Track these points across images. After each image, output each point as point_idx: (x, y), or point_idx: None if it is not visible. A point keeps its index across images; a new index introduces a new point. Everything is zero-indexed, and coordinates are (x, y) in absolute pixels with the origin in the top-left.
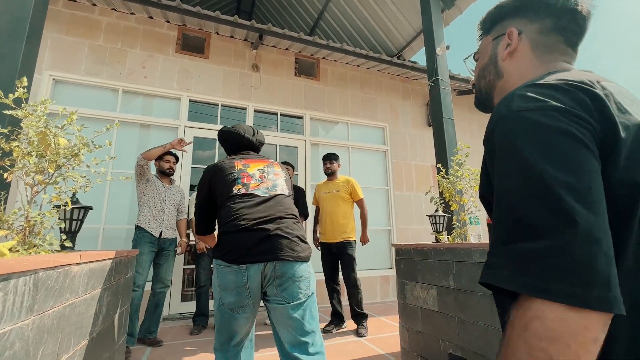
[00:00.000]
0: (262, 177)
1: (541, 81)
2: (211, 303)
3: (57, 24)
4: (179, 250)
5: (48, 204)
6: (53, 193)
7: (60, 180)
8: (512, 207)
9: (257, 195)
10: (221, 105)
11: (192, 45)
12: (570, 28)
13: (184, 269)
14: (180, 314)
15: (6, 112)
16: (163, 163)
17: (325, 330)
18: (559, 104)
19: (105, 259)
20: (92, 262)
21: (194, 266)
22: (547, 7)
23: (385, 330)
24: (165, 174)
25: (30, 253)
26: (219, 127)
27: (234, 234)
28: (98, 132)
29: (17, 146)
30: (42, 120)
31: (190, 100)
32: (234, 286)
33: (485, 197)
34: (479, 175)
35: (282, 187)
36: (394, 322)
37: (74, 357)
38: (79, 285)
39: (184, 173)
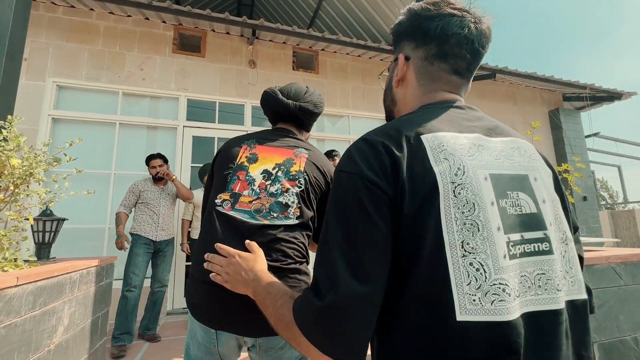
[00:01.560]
0: (262, 187)
1: (374, 132)
2: None
3: (58, 31)
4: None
5: (12, 219)
6: (16, 210)
7: (24, 197)
8: (316, 263)
9: (235, 223)
10: (219, 104)
11: (189, 44)
12: (455, 54)
13: (186, 265)
14: (184, 308)
15: None
16: (150, 170)
17: None
18: (363, 169)
19: (57, 275)
20: (39, 280)
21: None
22: (425, 32)
23: None
24: (156, 179)
25: None
26: (217, 125)
27: (196, 280)
28: (70, 142)
29: None
30: None
31: (188, 100)
32: (202, 343)
33: None
34: None
35: (287, 211)
36: None
37: None
38: (20, 305)
39: (184, 170)
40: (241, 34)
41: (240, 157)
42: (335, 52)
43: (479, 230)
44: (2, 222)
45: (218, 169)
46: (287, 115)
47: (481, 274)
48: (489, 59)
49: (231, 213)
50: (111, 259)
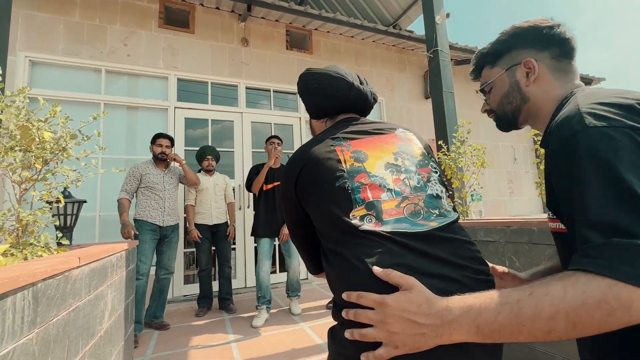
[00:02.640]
0: (398, 184)
1: (603, 100)
2: (214, 284)
3: (27, 0)
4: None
5: (39, 201)
6: (43, 189)
7: (50, 176)
8: (602, 212)
9: (400, 241)
10: (211, 84)
11: (176, 19)
12: (569, 53)
13: (184, 252)
14: (184, 296)
15: None
16: (155, 147)
17: (328, 307)
18: (633, 123)
19: (104, 257)
20: (92, 262)
21: (193, 249)
22: (549, 38)
23: None
24: (159, 160)
25: (25, 255)
26: (210, 107)
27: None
28: (84, 122)
29: None
30: (23, 112)
31: (178, 79)
32: None
33: (555, 208)
34: (481, 152)
35: (442, 204)
36: None
37: (83, 359)
38: (81, 288)
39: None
40: (232, 10)
41: (345, 160)
42: (328, 32)
43: None
44: (27, 203)
45: (315, 184)
46: (358, 104)
47: None
48: (477, 43)
49: (385, 229)
50: (134, 243)
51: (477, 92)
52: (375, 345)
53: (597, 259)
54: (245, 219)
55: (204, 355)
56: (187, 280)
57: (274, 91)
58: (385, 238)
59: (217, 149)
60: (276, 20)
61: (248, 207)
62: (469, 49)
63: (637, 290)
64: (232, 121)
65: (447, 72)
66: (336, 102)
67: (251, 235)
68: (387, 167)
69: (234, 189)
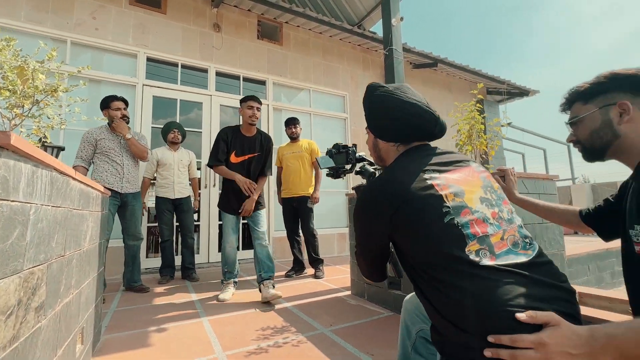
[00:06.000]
0: (496, 218)
1: None
2: (177, 259)
3: None
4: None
5: (26, 137)
6: (33, 126)
7: (38, 114)
8: None
9: (519, 276)
10: (181, 66)
11: None
12: None
13: (147, 227)
14: (146, 269)
15: None
16: (113, 112)
17: (287, 275)
18: None
19: (90, 186)
20: (82, 183)
21: (156, 224)
22: None
23: (339, 274)
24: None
25: None
26: (180, 87)
27: None
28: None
29: None
30: (19, 54)
31: (148, 58)
32: None
33: None
34: None
35: (522, 222)
36: (347, 269)
37: (72, 259)
38: (74, 198)
39: (145, 131)
40: None
41: (447, 196)
42: (298, 26)
43: None
44: None
45: (420, 222)
46: (437, 137)
47: None
48: (432, 50)
49: (500, 262)
50: (107, 192)
51: (565, 124)
52: None
53: None
54: (210, 198)
55: (167, 309)
56: (149, 253)
57: (243, 78)
58: (503, 271)
59: (185, 129)
60: (248, 10)
61: (214, 185)
62: (424, 53)
63: None
64: (201, 103)
65: (399, 68)
66: (420, 134)
67: (218, 206)
68: (482, 201)
69: (199, 169)
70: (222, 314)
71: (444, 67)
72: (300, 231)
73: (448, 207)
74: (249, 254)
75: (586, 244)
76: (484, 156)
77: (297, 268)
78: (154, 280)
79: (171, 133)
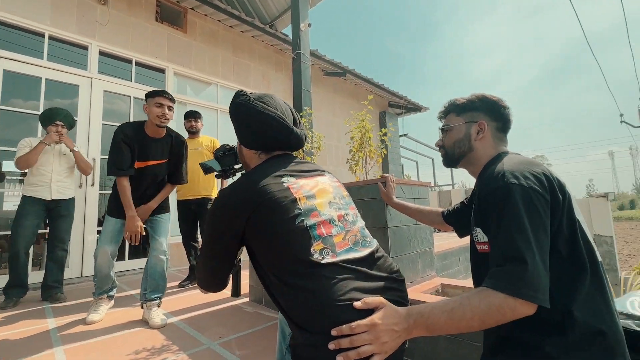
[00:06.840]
0: (341, 220)
1: (517, 167)
2: (39, 274)
3: None
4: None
5: None
6: None
7: None
8: (507, 246)
9: (352, 268)
10: (49, 37)
11: None
12: (507, 129)
13: None
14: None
15: None
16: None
17: (181, 285)
18: (534, 186)
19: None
20: None
21: (8, 232)
22: (500, 115)
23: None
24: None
25: None
26: (45, 63)
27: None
28: None
29: None
30: None
31: (1, 22)
32: None
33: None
34: (321, 140)
35: (364, 224)
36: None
37: None
38: None
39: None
40: None
41: (300, 199)
42: (206, 15)
43: None
44: None
45: (272, 223)
46: (295, 148)
47: None
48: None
49: (339, 259)
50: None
51: (439, 129)
52: None
53: (498, 280)
54: (87, 199)
55: (5, 345)
56: None
57: (136, 63)
58: (341, 267)
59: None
60: None
61: (92, 185)
62: (334, 62)
63: (517, 300)
64: (78, 86)
65: (307, 73)
66: (277, 144)
67: (107, 212)
68: (331, 205)
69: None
70: (84, 340)
71: (351, 78)
72: (199, 237)
73: (300, 209)
74: (140, 262)
75: (458, 239)
76: (370, 162)
77: (193, 277)
78: None
79: (53, 126)
